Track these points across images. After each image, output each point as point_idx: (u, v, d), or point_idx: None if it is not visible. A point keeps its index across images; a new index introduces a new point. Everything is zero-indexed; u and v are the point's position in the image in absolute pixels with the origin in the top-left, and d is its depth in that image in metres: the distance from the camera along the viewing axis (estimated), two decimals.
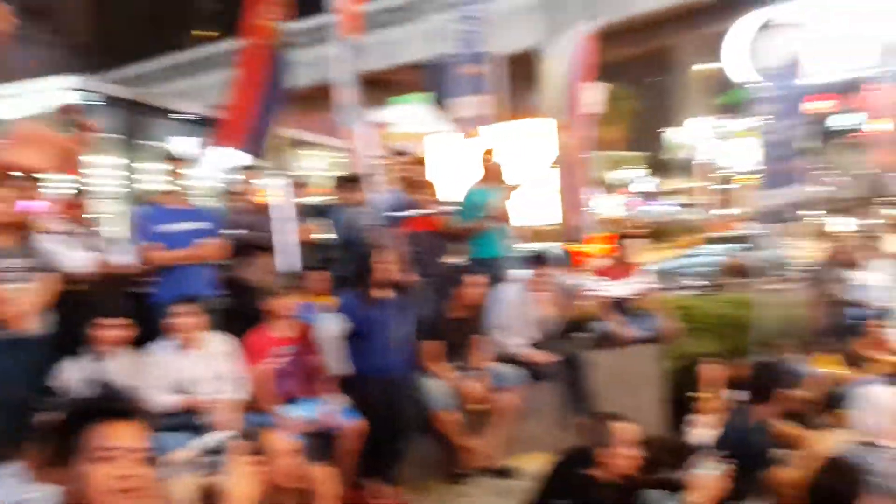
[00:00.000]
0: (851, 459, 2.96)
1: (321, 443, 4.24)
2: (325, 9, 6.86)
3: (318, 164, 19.77)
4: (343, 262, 5.58)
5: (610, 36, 14.73)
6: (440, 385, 5.06)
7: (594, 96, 7.33)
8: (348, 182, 6.14)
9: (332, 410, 4.45)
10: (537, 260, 5.99)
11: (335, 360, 4.67)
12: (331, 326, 4.75)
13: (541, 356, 5.60)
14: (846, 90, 16.03)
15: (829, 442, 3.93)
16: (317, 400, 4.51)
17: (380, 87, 18.28)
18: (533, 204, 7.13)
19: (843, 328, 6.76)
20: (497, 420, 5.23)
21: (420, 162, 6.56)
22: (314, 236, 5.95)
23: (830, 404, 4.95)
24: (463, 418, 5.08)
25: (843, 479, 2.79)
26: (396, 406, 4.65)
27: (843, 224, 10.54)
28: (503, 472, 5.12)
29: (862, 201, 10.05)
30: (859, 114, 13.31)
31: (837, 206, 12.66)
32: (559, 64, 7.08)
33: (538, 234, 7.75)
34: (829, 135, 19.17)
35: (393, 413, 4.61)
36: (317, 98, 7.35)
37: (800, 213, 7.74)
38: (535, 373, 5.54)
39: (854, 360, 6.17)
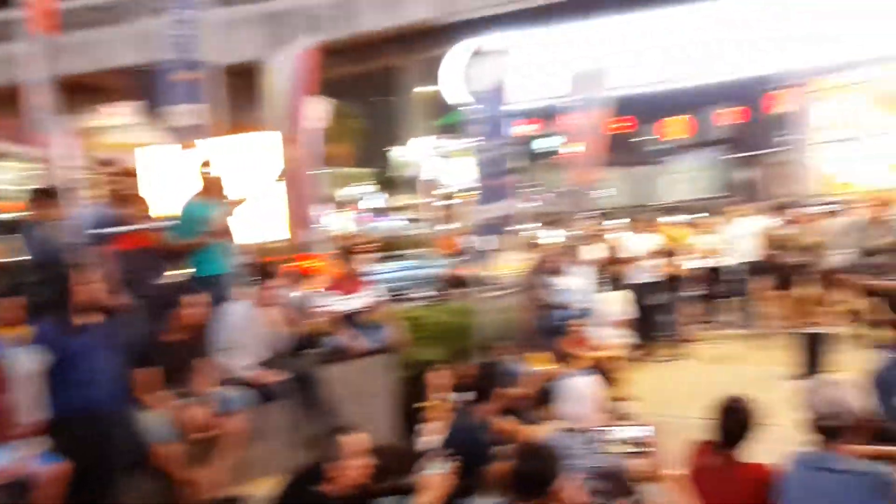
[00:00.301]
0: (550, 444, 3.21)
1: (14, 494, 3.68)
2: (14, 2, 6.04)
3: (8, 176, 17.49)
4: (39, 286, 4.90)
5: (335, 53, 14.93)
6: (158, 416, 4.65)
7: (318, 111, 7.31)
8: (44, 195, 5.43)
9: (25, 457, 3.86)
10: (264, 275, 5.79)
11: (32, 400, 4.07)
12: (24, 361, 4.13)
13: (270, 376, 5.40)
14: (548, 115, 17.87)
15: (541, 433, 4.24)
16: (7, 447, 3.89)
17: (84, 91, 16.68)
18: (258, 219, 6.89)
19: (551, 329, 7.45)
20: (224, 447, 4.93)
21: (130, 173, 6.03)
22: (2, 258, 5.18)
23: (543, 398, 5.39)
24: (186, 449, 4.71)
25: (540, 463, 3.00)
26: (107, 444, 4.18)
27: (549, 236, 11.60)
28: (231, 502, 4.84)
29: (564, 215, 11.16)
30: (558, 137, 14.81)
31: (544, 220, 13.99)
32: (281, 77, 6.93)
33: (264, 250, 7.51)
34: (535, 155, 21.30)
35: (104, 452, 4.14)
36: (6, 101, 6.45)
37: (512, 226, 8.36)
38: (265, 393, 5.34)
39: (561, 357, 6.82)
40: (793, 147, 20.57)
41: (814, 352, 7.53)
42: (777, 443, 3.29)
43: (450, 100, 18.03)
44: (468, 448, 4.09)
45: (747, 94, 22.84)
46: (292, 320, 5.96)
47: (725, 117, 27.29)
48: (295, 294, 6.32)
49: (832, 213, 10.80)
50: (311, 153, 6.88)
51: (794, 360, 7.67)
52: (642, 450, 3.28)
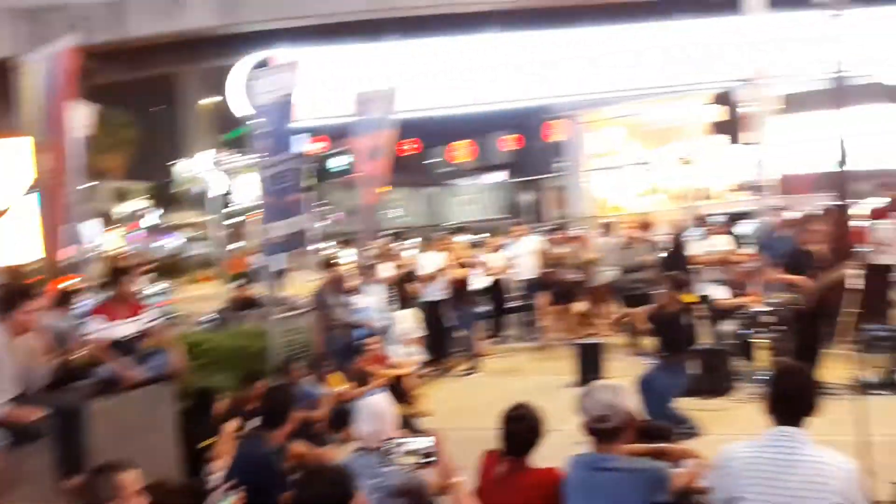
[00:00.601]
0: (340, 466, 3.09)
1: None
2: None
3: None
4: None
5: (106, 56, 13.81)
6: None
7: (82, 118, 6.64)
8: None
9: None
10: (19, 299, 5.09)
11: None
12: None
13: (26, 413, 4.74)
14: (338, 134, 17.78)
15: (336, 455, 4.11)
16: None
17: None
18: (6, 236, 6.06)
19: (346, 348, 7.36)
20: None
21: None
22: None
23: (339, 419, 5.25)
24: None
25: (329, 486, 2.87)
26: None
27: (343, 255, 11.52)
28: None
29: (357, 234, 11.13)
30: (349, 156, 14.79)
31: (338, 239, 13.88)
32: (38, 78, 6.18)
33: (18, 271, 6.65)
34: (326, 174, 21.13)
35: None
36: None
37: (303, 245, 8.17)
38: (21, 433, 4.67)
39: (358, 377, 6.73)
40: (568, 173, 22.23)
41: (590, 360, 8.08)
42: (562, 447, 3.42)
43: (236, 113, 17.34)
44: (259, 476, 3.86)
45: (527, 122, 24.43)
46: (53, 349, 5.31)
47: (508, 143, 28.99)
48: (57, 320, 5.65)
49: (603, 234, 11.74)
50: (74, 164, 6.21)
51: (573, 368, 8.18)
52: (428, 460, 3.26)
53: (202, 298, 13.76)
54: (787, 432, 2.81)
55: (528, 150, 27.56)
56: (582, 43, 18.77)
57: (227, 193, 22.76)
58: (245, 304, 9.46)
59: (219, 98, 19.75)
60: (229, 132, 21.47)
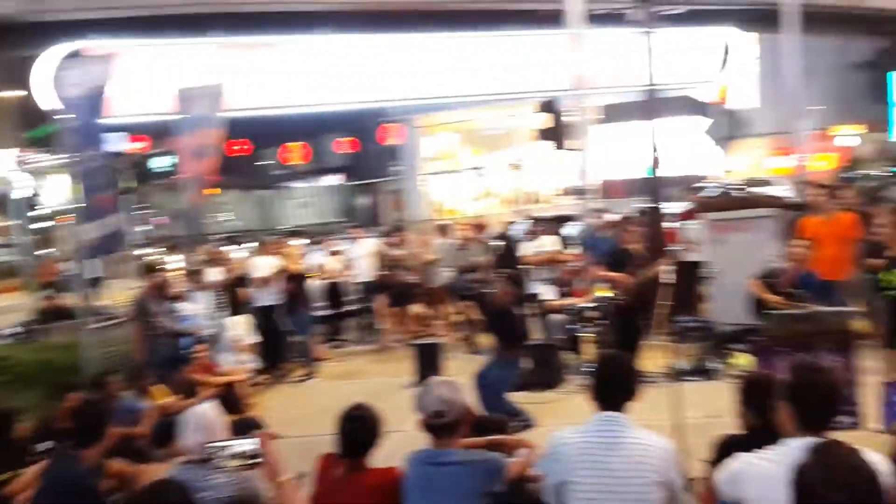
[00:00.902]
0: (173, 481, 2.88)
1: None
2: None
3: None
4: None
5: None
6: None
7: None
8: None
9: None
10: None
11: None
12: None
13: None
14: (162, 132, 16.73)
15: (162, 470, 3.83)
16: None
17: None
18: None
19: (172, 357, 6.92)
20: None
21: None
22: None
23: (164, 434, 4.91)
24: None
25: (165, 500, 2.66)
26: None
27: (167, 260, 10.88)
28: None
29: (183, 238, 10.54)
30: (173, 157, 14.03)
31: (162, 244, 13.09)
32: None
33: None
34: (148, 175, 19.86)
35: None
36: None
37: (121, 250, 7.63)
38: None
39: (185, 387, 6.34)
40: (404, 176, 22.45)
41: (428, 360, 8.15)
42: (403, 447, 3.39)
43: (43, 107, 15.85)
44: (73, 499, 3.53)
45: (363, 125, 24.39)
46: None
47: (344, 146, 28.78)
48: None
49: (439, 236, 11.92)
50: None
51: (412, 369, 8.21)
52: (254, 461, 3.10)
53: (4, 310, 12.47)
54: (611, 417, 2.96)
55: (364, 154, 27.52)
56: (416, 48, 19.05)
57: (34, 195, 20.66)
58: (55, 315, 8.69)
59: (23, 91, 17.85)
60: (35, 129, 19.51)
